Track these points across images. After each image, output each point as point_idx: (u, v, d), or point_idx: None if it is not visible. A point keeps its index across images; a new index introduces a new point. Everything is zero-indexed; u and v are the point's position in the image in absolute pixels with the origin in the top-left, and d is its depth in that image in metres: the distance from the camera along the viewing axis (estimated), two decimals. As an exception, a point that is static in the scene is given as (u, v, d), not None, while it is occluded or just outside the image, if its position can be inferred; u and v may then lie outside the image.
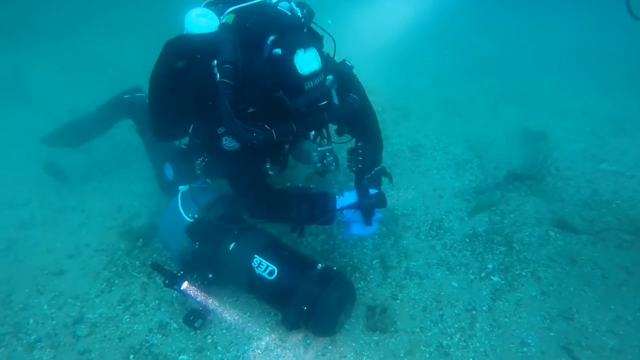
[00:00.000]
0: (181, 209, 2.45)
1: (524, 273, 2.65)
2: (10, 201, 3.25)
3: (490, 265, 2.70)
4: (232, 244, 2.24)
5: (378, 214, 2.23)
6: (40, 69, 5.53)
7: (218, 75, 1.88)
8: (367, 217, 2.19)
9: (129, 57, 5.74)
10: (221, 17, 2.12)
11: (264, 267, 2.13)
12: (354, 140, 2.52)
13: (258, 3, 2.16)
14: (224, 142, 2.10)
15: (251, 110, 2.01)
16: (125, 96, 3.34)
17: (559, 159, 3.82)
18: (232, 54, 1.92)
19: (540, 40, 7.18)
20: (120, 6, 7.33)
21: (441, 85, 5.55)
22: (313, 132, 2.39)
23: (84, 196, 3.33)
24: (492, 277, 2.62)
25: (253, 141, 1.87)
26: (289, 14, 2.21)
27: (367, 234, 2.29)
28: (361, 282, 2.58)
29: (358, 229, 2.24)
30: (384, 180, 2.42)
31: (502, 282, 2.59)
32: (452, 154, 3.93)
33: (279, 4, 2.28)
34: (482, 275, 2.63)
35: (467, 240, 2.90)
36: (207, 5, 2.27)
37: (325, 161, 2.37)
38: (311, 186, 2.27)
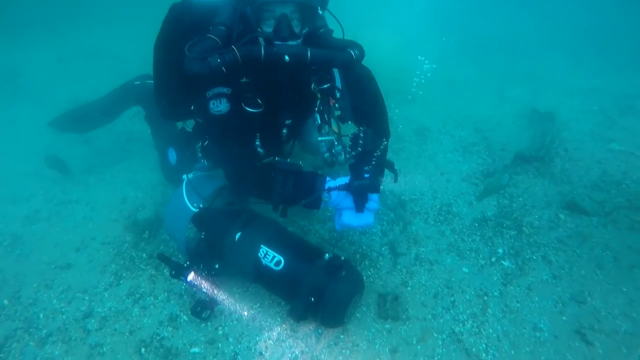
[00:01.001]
0: (186, 199, 2.42)
1: (534, 257, 2.62)
2: (14, 196, 3.22)
3: (500, 250, 2.67)
4: (238, 234, 2.20)
5: (374, 204, 2.11)
6: (37, 61, 5.46)
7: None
8: (359, 202, 2.08)
9: (127, 45, 5.65)
10: None
11: (271, 257, 2.09)
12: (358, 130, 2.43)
13: None
14: (211, 105, 2.04)
15: (244, 80, 1.97)
16: (136, 82, 3.31)
17: (567, 140, 3.76)
18: (229, 18, 1.89)
19: (545, 17, 7.02)
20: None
21: (446, 66, 5.45)
22: (319, 121, 2.32)
23: (88, 188, 3.29)
24: (503, 262, 2.60)
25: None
26: None
27: (361, 225, 2.15)
28: (371, 269, 2.56)
29: (350, 217, 2.13)
30: (388, 177, 2.31)
31: (513, 266, 2.56)
32: (459, 137, 3.88)
33: None
34: (492, 260, 2.61)
35: (477, 224, 2.87)
36: None
37: (333, 150, 2.31)
38: (299, 163, 2.17)
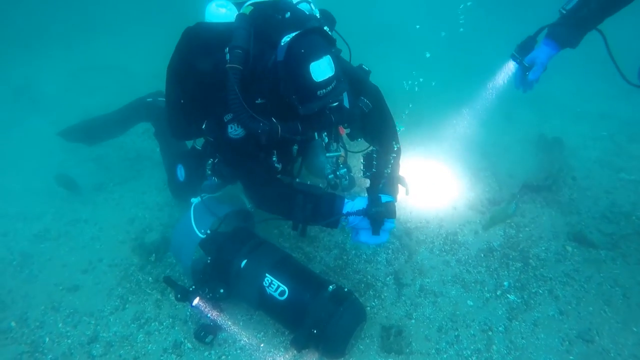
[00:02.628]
0: (194, 224, 2.45)
1: (540, 291, 2.60)
2: (24, 213, 3.27)
3: (506, 283, 2.65)
4: (244, 261, 2.23)
5: (390, 224, 2.15)
6: (50, 75, 5.56)
7: (228, 61, 1.89)
8: (375, 226, 2.11)
9: (138, 61, 5.75)
10: (240, 10, 2.14)
11: (275, 287, 2.12)
12: (370, 149, 2.45)
13: (278, 0, 2.17)
14: (229, 129, 2.09)
15: (259, 101, 1.99)
16: (148, 99, 3.38)
17: (575, 168, 3.74)
18: (245, 40, 1.92)
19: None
20: (129, 10, 7.32)
21: (452, 86, 5.45)
22: (327, 140, 2.36)
23: (97, 208, 3.34)
24: (508, 295, 2.58)
25: (258, 130, 1.86)
26: (308, 14, 2.20)
27: (375, 243, 2.20)
28: (375, 300, 2.56)
29: (366, 236, 2.17)
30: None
31: (519, 300, 2.54)
32: (466, 162, 3.87)
33: (299, 4, 2.27)
34: (497, 293, 2.59)
35: (482, 255, 2.85)
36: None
37: (338, 173, 2.36)
38: (320, 185, 2.22)
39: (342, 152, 2.43)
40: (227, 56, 1.92)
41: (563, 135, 4.20)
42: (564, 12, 2.18)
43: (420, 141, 4.17)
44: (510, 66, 2.53)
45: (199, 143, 2.65)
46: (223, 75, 1.90)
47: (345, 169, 2.39)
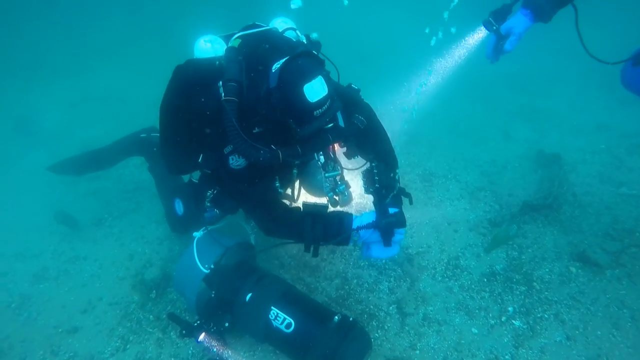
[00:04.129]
0: (197, 259, 2.44)
1: (546, 315, 2.55)
2: (23, 252, 3.26)
3: (510, 308, 2.61)
4: (249, 295, 2.23)
5: (399, 235, 2.15)
6: (49, 107, 5.62)
7: (223, 95, 1.90)
8: (386, 238, 2.12)
9: (137, 91, 5.80)
10: (228, 43, 2.16)
11: (281, 319, 2.12)
12: (367, 165, 2.43)
13: (265, 30, 2.22)
14: (230, 161, 2.11)
15: (257, 130, 2.01)
16: (142, 135, 3.39)
17: (575, 184, 3.72)
18: (237, 73, 1.95)
19: (547, 51, 7.07)
20: (129, 40, 7.44)
21: (449, 104, 5.48)
22: (323, 160, 2.37)
23: (96, 244, 3.32)
24: (514, 321, 2.53)
25: (260, 159, 1.87)
26: (295, 41, 2.23)
27: (387, 256, 2.21)
28: (379, 331, 2.52)
29: (377, 250, 2.18)
30: (405, 201, 2.34)
31: (524, 326, 2.50)
32: (465, 182, 3.86)
33: (285, 32, 2.31)
34: (502, 319, 2.55)
35: (485, 280, 2.82)
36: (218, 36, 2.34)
37: (337, 190, 2.38)
38: (326, 203, 2.23)
39: (339, 171, 2.44)
40: (221, 90, 1.94)
41: (561, 150, 4.20)
42: None
43: (418, 162, 4.18)
44: (481, 33, 2.47)
45: (195, 176, 2.65)
46: (218, 109, 1.91)
47: (344, 186, 2.41)
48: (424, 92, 4.23)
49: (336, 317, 2.10)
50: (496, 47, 2.29)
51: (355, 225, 2.13)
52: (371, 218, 2.12)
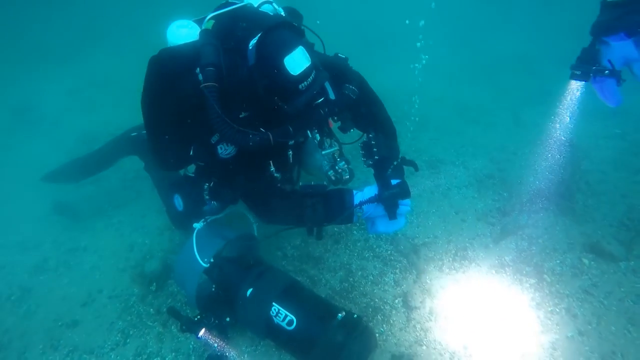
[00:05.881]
0: (196, 253, 2.37)
1: (557, 309, 2.47)
2: (23, 243, 3.22)
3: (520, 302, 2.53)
4: (250, 290, 2.16)
5: (405, 207, 2.06)
6: (49, 94, 5.51)
7: (202, 81, 1.80)
8: (391, 211, 2.03)
9: (138, 77, 5.66)
10: (202, 26, 2.04)
11: (283, 316, 2.04)
12: (365, 137, 2.31)
13: (239, 7, 2.08)
14: (219, 150, 2.00)
15: (243, 115, 1.91)
16: (133, 134, 3.25)
17: (589, 171, 3.58)
18: (214, 56, 1.84)
19: (557, 30, 6.80)
20: (129, 27, 7.27)
21: (457, 87, 5.32)
22: (318, 137, 2.27)
23: (96, 234, 3.27)
24: (523, 316, 2.45)
25: (249, 143, 1.78)
26: (272, 15, 2.12)
27: (394, 230, 2.14)
28: (384, 325, 2.45)
29: (383, 225, 2.10)
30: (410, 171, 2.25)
31: (535, 320, 2.41)
32: (473, 169, 3.74)
33: (261, 7, 2.18)
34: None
35: (494, 272, 2.73)
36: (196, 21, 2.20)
37: (337, 167, 2.28)
38: (324, 183, 2.13)
39: (337, 147, 2.34)
40: (200, 76, 1.83)
41: (573, 135, 4.04)
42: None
43: (425, 148, 4.05)
44: (574, 87, 2.30)
45: (191, 170, 2.56)
46: (200, 96, 1.80)
47: (344, 162, 2.31)
48: (429, 76, 4.07)
49: (340, 315, 2.01)
50: (616, 86, 2.05)
51: (357, 200, 2.04)
52: (373, 192, 2.03)
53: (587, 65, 2.08)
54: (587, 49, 2.09)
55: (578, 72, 2.11)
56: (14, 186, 3.84)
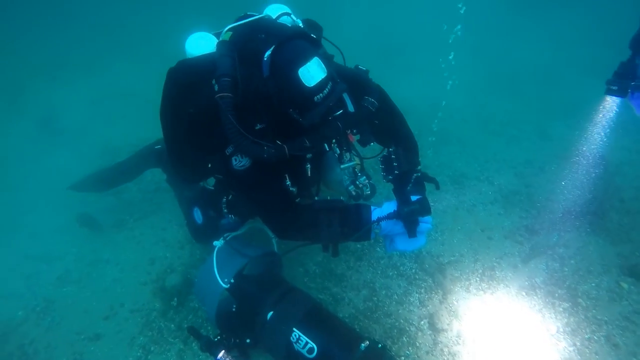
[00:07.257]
0: (216, 273, 2.33)
1: (595, 337, 2.34)
2: (47, 254, 3.25)
3: (554, 328, 2.41)
4: (270, 313, 2.10)
5: (426, 224, 1.96)
6: (73, 105, 5.62)
7: (217, 90, 1.78)
8: (411, 228, 1.93)
9: (160, 88, 5.75)
10: (219, 38, 2.03)
11: (303, 343, 1.97)
12: (385, 151, 2.21)
13: (257, 19, 2.07)
14: (233, 162, 1.94)
15: (259, 126, 1.86)
16: (157, 147, 3.27)
17: (622, 188, 3.44)
18: (230, 67, 1.82)
19: (583, 40, 6.64)
20: (151, 38, 7.40)
21: (478, 97, 5.22)
22: (338, 152, 2.20)
23: (117, 247, 3.28)
24: (557, 343, 2.33)
25: (264, 155, 1.73)
26: (290, 26, 2.09)
27: (413, 248, 2.03)
28: (410, 348, 2.37)
29: (402, 243, 2.00)
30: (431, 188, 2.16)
31: (571, 348, 2.30)
32: (498, 184, 3.64)
33: (280, 19, 2.17)
34: (545, 339, 2.36)
35: (524, 294, 2.62)
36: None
37: (357, 182, 2.18)
38: (341, 198, 2.05)
39: (357, 160, 2.26)
40: (216, 87, 1.80)
41: (604, 149, 3.90)
42: None
43: (448, 162, 3.97)
44: (609, 102, 2.23)
45: (211, 183, 2.54)
46: (215, 107, 1.78)
47: (365, 177, 2.22)
48: (452, 88, 4.00)
49: (363, 345, 1.92)
50: None
51: (375, 216, 1.95)
52: (392, 208, 1.94)
53: (626, 80, 2.00)
54: (625, 63, 2.02)
55: (615, 87, 2.04)
56: (38, 196, 3.90)
